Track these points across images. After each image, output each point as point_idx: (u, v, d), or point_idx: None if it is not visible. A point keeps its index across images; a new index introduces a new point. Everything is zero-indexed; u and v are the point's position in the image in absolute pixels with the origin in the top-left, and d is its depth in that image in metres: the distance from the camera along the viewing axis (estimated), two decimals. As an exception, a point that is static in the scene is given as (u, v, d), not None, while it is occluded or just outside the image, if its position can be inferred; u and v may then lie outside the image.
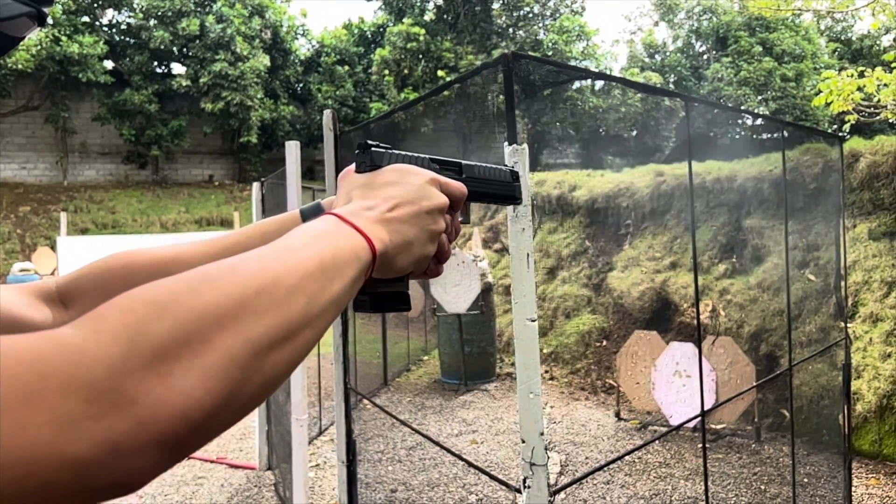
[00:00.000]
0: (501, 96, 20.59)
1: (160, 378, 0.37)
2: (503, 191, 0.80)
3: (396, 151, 0.68)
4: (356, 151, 0.67)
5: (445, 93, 20.02)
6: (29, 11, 0.53)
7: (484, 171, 0.77)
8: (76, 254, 10.87)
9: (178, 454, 0.38)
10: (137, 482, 0.36)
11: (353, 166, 0.68)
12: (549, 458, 1.61)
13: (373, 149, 0.66)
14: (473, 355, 7.36)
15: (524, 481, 1.55)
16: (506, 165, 0.84)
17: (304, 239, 0.51)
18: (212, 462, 5.26)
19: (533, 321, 1.56)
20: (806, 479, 4.59)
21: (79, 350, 0.36)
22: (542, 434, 1.54)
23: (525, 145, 1.56)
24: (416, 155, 0.70)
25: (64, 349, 0.35)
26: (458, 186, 0.69)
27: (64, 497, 0.34)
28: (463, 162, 0.75)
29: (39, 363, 0.34)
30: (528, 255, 1.56)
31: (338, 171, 2.61)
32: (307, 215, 0.77)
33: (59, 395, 0.34)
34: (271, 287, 0.44)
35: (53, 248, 13.35)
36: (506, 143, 1.58)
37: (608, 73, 26.38)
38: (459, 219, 0.72)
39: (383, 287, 0.62)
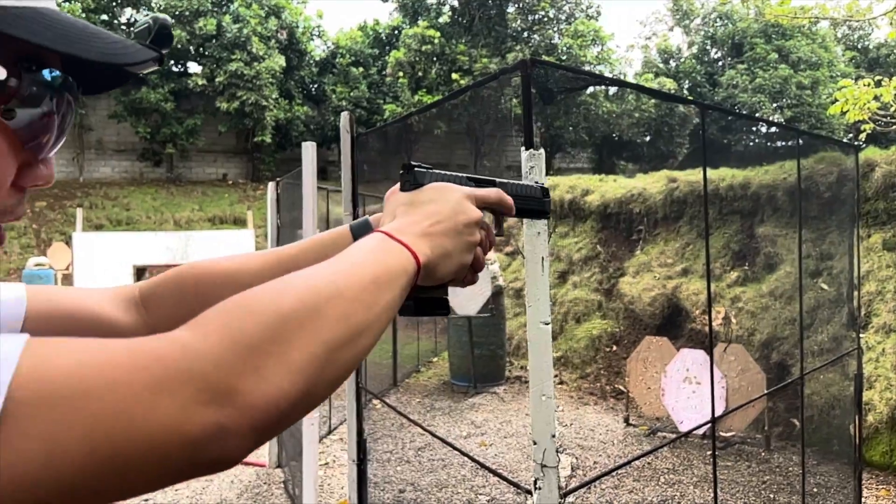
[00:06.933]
0: (515, 100, 20.52)
1: (256, 372, 0.44)
2: (534, 206, 0.87)
3: (437, 171, 0.76)
4: (400, 171, 0.75)
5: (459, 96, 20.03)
6: (155, 57, 0.58)
7: (516, 189, 0.84)
8: (91, 249, 10.98)
9: (266, 437, 0.46)
10: (235, 459, 0.44)
11: (398, 185, 0.76)
12: (559, 460, 1.62)
13: (415, 169, 0.74)
14: (483, 358, 7.36)
15: (535, 483, 1.56)
16: (536, 182, 0.91)
17: (360, 255, 0.59)
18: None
19: (546, 324, 1.57)
20: (815, 489, 4.56)
21: (192, 349, 0.43)
22: (553, 436, 1.56)
23: (542, 150, 1.58)
24: (454, 174, 0.77)
25: (181, 348, 0.43)
26: (497, 194, 0.77)
27: (177, 469, 0.41)
28: (497, 180, 0.83)
29: (163, 359, 0.42)
30: (542, 258, 1.58)
31: (353, 171, 2.64)
32: (356, 230, 0.86)
33: (179, 384, 0.41)
34: (337, 297, 0.52)
35: (68, 243, 13.46)
36: (522, 148, 1.60)
37: (622, 78, 26.32)
38: (494, 231, 0.79)
39: (426, 293, 0.69)
